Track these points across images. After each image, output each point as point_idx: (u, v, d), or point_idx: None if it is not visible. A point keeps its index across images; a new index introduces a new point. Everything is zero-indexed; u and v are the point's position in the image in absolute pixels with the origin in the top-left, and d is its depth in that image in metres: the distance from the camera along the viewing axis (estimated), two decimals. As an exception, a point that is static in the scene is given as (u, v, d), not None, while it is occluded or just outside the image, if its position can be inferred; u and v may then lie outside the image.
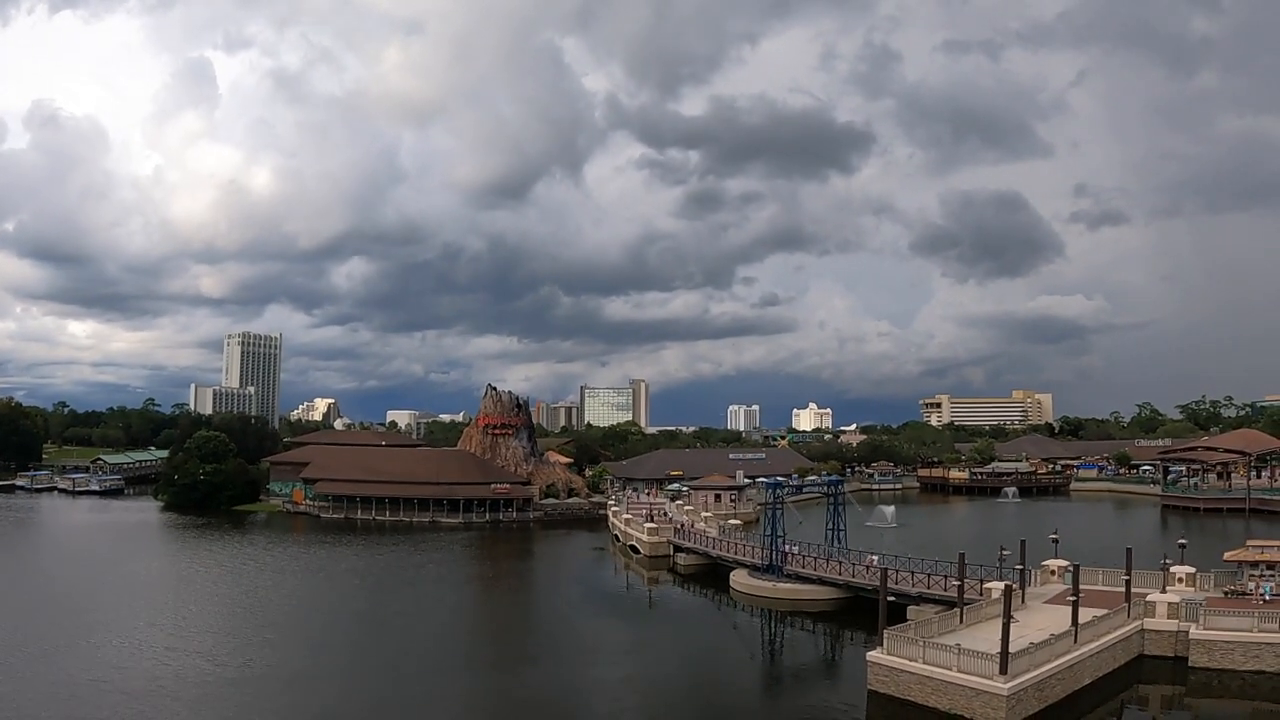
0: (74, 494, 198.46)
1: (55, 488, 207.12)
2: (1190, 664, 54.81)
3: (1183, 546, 69.94)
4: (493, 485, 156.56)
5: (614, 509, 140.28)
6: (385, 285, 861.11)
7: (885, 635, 51.07)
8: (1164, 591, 61.91)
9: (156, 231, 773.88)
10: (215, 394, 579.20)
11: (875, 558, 73.69)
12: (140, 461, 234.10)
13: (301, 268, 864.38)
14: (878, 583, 72.25)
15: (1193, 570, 67.32)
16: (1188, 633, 55.96)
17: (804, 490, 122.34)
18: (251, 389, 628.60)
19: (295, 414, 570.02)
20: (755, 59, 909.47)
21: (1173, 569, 66.44)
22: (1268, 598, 61.75)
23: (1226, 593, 64.48)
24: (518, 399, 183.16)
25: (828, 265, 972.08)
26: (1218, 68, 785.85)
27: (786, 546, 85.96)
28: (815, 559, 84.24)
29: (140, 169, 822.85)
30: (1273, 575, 64.44)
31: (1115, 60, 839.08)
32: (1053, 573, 71.90)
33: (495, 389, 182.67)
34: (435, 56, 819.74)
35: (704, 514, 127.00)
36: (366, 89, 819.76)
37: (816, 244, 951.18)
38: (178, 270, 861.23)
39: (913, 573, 73.09)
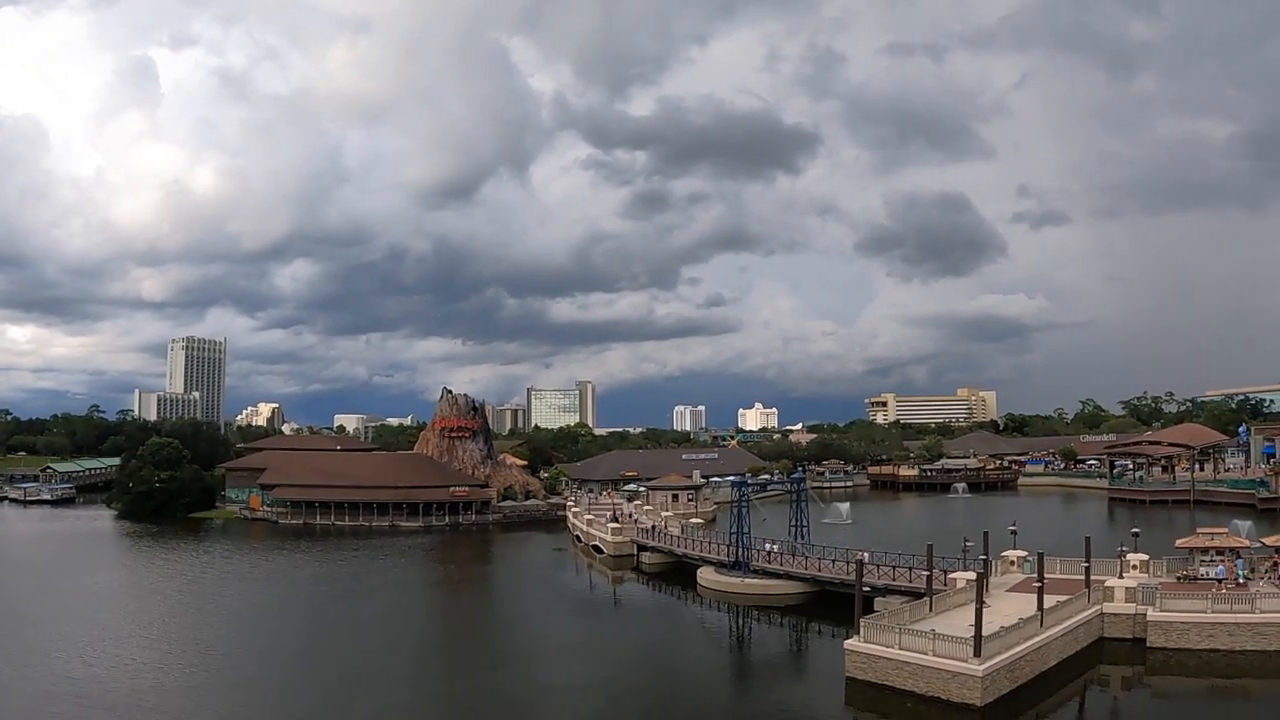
0: (25, 504, 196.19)
1: (6, 497, 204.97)
2: (1148, 644, 57.30)
3: (1136, 535, 73.00)
4: (451, 488, 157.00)
5: (574, 510, 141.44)
6: (329, 287, 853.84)
7: (861, 624, 52.93)
8: (1121, 577, 64.53)
9: (98, 233, 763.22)
10: (160, 400, 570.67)
11: (866, 554, 75.66)
12: (91, 470, 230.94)
13: (245, 270, 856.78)
14: (844, 576, 75.11)
15: (1146, 557, 70.09)
16: (1145, 615, 58.40)
17: (768, 489, 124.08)
18: (196, 394, 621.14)
19: (240, 419, 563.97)
20: (704, 60, 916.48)
21: (1128, 556, 69.15)
22: (1220, 580, 64.54)
23: (1179, 577, 67.14)
24: (473, 402, 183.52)
25: (773, 265, 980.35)
26: (1156, 72, 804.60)
27: (768, 545, 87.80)
28: (782, 555, 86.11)
29: (81, 169, 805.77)
30: (1222, 559, 67.34)
31: (1056, 64, 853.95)
32: (1012, 563, 74.18)
33: (450, 392, 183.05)
34: (382, 55, 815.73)
35: (664, 513, 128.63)
36: (313, 88, 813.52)
37: (762, 244, 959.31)
38: (119, 273, 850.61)
39: (878, 566, 75.15)
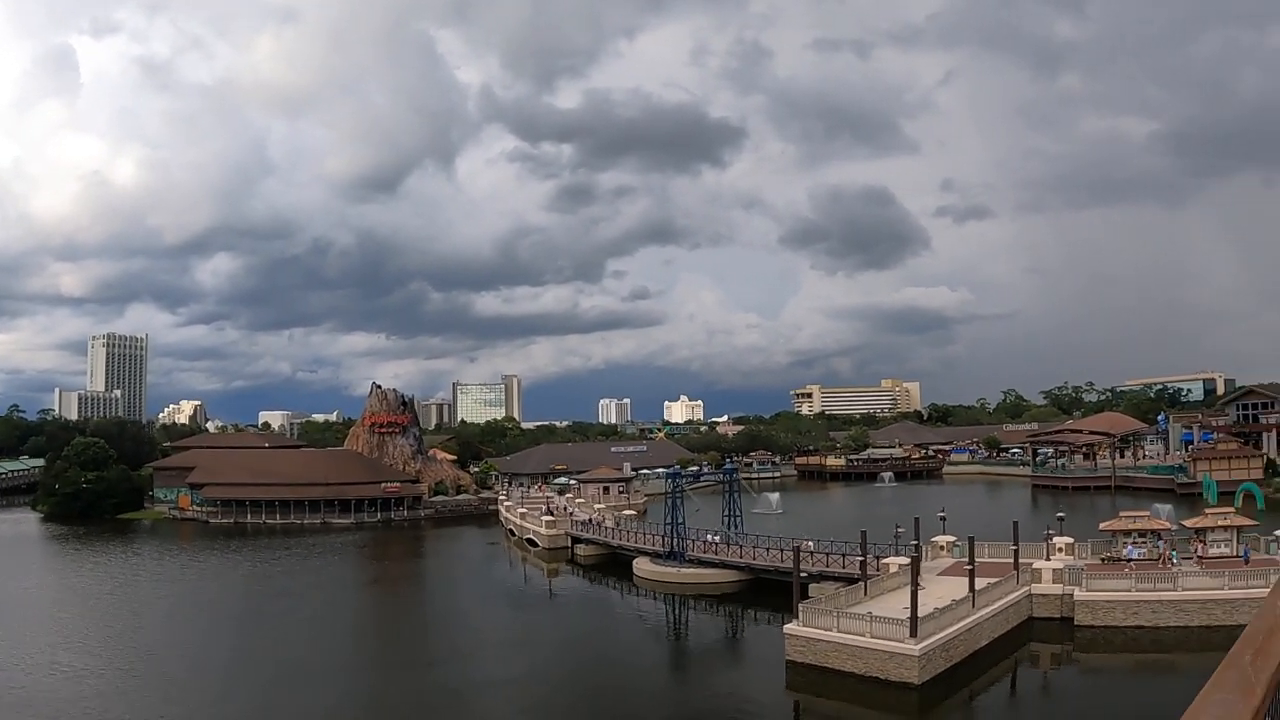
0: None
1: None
2: (1076, 623, 59.10)
3: (1061, 519, 75.48)
4: (383, 484, 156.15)
5: (506, 504, 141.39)
6: (252, 282, 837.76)
7: (800, 608, 53.96)
8: (1048, 560, 66.38)
9: (15, 226, 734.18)
10: (80, 398, 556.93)
11: (811, 543, 77.04)
12: (14, 471, 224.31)
13: (166, 264, 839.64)
14: (778, 564, 76.25)
15: (1071, 540, 72.13)
16: (1072, 595, 60.19)
17: (701, 479, 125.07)
18: (118, 392, 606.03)
19: (162, 417, 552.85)
20: (632, 53, 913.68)
21: (1054, 539, 71.08)
22: (1134, 559, 66.84)
23: (1103, 559, 69.21)
24: (403, 397, 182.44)
25: (698, 258, 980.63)
26: (1080, 70, 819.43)
27: (709, 535, 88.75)
28: (719, 544, 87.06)
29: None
30: (1144, 541, 69.56)
31: (982, 62, 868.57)
32: (942, 548, 75.71)
33: (380, 387, 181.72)
34: (309, 46, 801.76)
35: (597, 506, 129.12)
36: (238, 78, 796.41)
37: (687, 237, 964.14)
38: (37, 267, 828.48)
39: (812, 553, 76.28)
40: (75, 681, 56.45)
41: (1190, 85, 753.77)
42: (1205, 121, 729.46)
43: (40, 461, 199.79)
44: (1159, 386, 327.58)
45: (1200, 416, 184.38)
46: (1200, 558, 66.70)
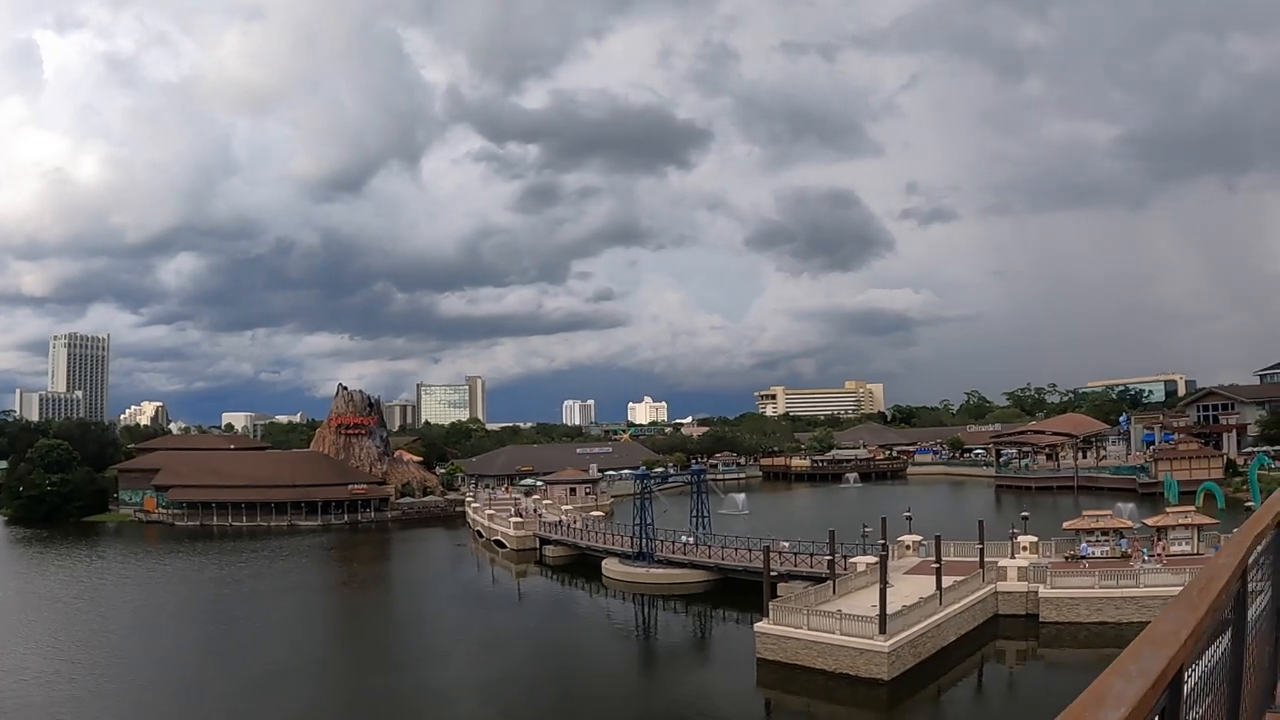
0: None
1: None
2: (1041, 619, 60.10)
3: (1025, 519, 76.08)
4: (349, 486, 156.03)
5: (473, 505, 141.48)
6: (215, 281, 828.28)
7: (771, 607, 54.55)
8: (1013, 558, 67.30)
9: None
10: (41, 399, 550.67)
11: (786, 543, 77.75)
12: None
13: (128, 264, 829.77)
14: (746, 564, 76.83)
15: (1036, 539, 72.96)
16: (1037, 592, 61.20)
17: (669, 480, 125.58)
18: (79, 393, 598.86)
19: (123, 418, 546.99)
20: (599, 54, 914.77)
21: (1019, 538, 71.91)
22: (1092, 557, 68.33)
23: (1067, 557, 70.23)
24: (369, 398, 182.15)
25: (662, 260, 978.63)
26: (1045, 75, 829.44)
27: (684, 537, 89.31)
28: (693, 545, 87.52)
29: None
30: (1107, 540, 70.74)
31: (947, 65, 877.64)
32: (908, 547, 76.48)
33: (346, 388, 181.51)
34: (275, 44, 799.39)
35: (564, 508, 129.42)
36: (203, 75, 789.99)
37: (652, 239, 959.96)
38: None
39: (780, 553, 76.86)
40: (46, 687, 56.01)
41: (1153, 90, 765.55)
42: (1168, 126, 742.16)
43: (3, 464, 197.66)
44: (1121, 388, 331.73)
45: (1162, 417, 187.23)
46: (1160, 555, 67.87)
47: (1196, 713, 4.53)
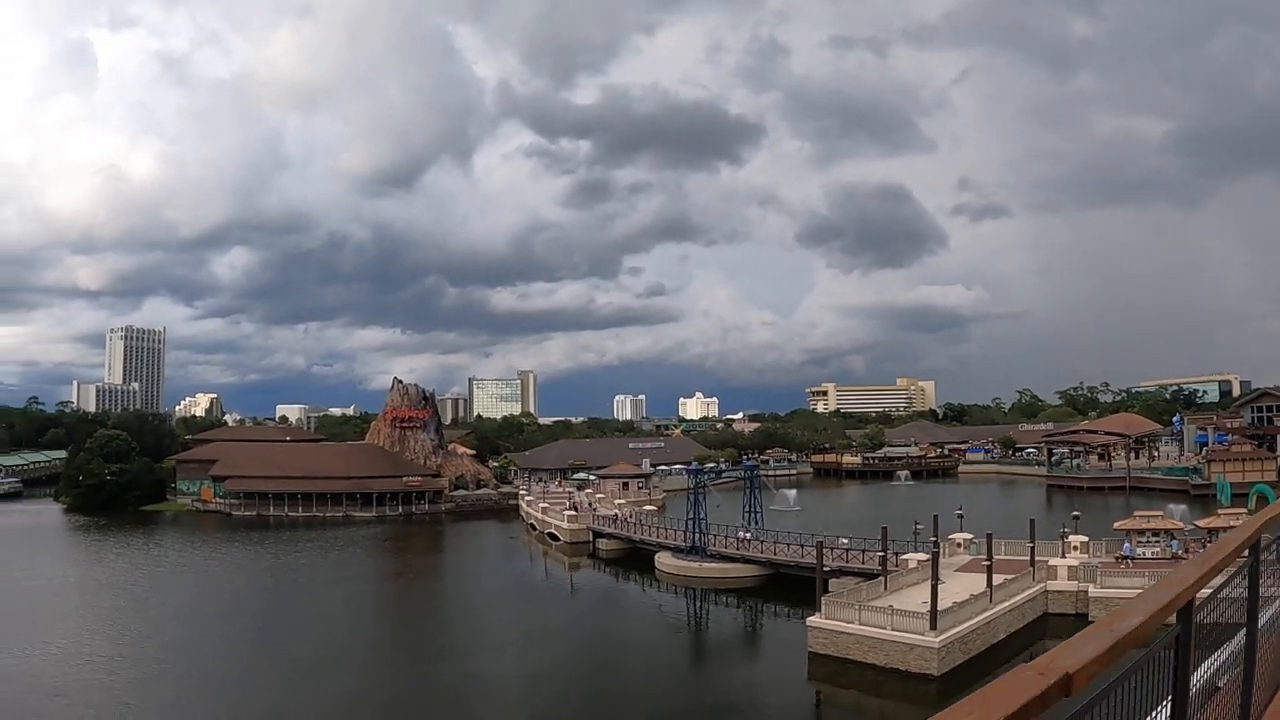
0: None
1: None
2: (1090, 619, 60.40)
3: (1076, 518, 76.74)
4: (405, 478, 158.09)
5: (527, 499, 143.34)
6: (267, 276, 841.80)
7: (823, 601, 55.64)
8: (1064, 557, 67.96)
9: (31, 220, 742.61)
10: (98, 391, 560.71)
11: (845, 540, 78.90)
12: (36, 463, 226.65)
13: (182, 258, 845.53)
14: (798, 559, 77.89)
15: (1086, 539, 73.48)
16: (1087, 592, 61.83)
17: (722, 476, 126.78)
18: (135, 385, 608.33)
19: (179, 410, 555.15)
20: (650, 49, 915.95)
21: (1069, 538, 72.49)
22: (1138, 557, 69.06)
23: (1117, 558, 70.67)
24: (424, 392, 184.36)
25: (713, 255, 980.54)
26: (1095, 70, 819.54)
27: (742, 533, 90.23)
28: (750, 540, 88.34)
29: (14, 154, 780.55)
30: (1158, 540, 71.16)
31: (997, 60, 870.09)
32: (959, 545, 77.21)
33: (401, 382, 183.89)
34: (325, 40, 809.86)
35: (617, 501, 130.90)
36: (254, 72, 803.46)
37: (703, 234, 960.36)
38: (53, 261, 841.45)
39: (831, 549, 77.81)
40: (108, 670, 58.04)
41: (1204, 85, 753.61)
42: (1219, 121, 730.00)
43: (61, 453, 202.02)
44: (1174, 388, 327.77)
45: (1215, 418, 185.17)
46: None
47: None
